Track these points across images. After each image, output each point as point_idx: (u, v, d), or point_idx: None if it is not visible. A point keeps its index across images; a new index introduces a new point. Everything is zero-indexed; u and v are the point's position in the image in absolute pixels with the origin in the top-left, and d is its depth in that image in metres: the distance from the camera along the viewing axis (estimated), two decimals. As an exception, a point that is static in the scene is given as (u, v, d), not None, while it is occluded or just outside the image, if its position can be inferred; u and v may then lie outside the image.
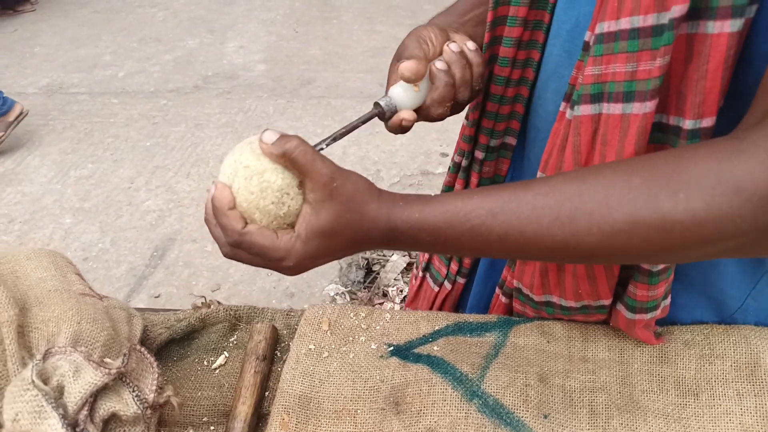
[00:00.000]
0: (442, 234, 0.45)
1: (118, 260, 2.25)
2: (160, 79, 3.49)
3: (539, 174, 0.59)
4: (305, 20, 4.21)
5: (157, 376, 0.51)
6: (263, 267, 0.47)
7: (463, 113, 0.72)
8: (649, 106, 0.46)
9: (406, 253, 2.32)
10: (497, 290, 0.72)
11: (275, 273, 2.31)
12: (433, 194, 0.47)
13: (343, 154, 2.79)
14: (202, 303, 0.76)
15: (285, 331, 0.73)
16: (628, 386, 0.61)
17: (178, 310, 0.76)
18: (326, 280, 2.20)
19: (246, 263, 0.47)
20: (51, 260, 0.67)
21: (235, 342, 0.72)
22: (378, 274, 2.27)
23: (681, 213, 0.39)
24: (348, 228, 0.45)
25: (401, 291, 2.20)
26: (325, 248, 0.45)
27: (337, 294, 2.14)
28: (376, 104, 0.58)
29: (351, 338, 0.68)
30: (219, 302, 0.76)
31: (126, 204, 2.52)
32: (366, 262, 2.30)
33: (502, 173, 0.71)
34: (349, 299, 2.14)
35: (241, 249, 0.46)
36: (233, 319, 0.73)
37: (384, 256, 2.32)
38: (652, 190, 0.40)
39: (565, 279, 0.61)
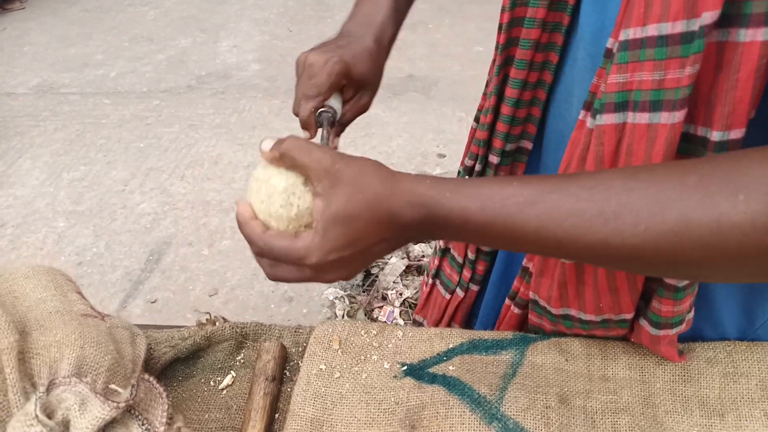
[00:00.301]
0: (473, 218, 0.41)
1: (113, 265, 2.21)
2: (153, 79, 3.45)
3: None
4: (299, 19, 4.17)
5: (167, 407, 0.49)
6: (300, 278, 0.45)
7: (471, 116, 0.70)
8: (678, 116, 0.44)
9: (405, 255, 2.30)
10: (508, 301, 0.70)
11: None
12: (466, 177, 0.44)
13: (340, 155, 2.76)
14: (206, 319, 0.74)
15: (294, 349, 0.70)
16: (651, 407, 0.59)
17: (183, 326, 0.73)
18: (325, 284, 2.17)
19: (286, 279, 0.46)
20: (50, 278, 0.64)
21: (242, 361, 0.70)
22: (377, 277, 2.25)
23: (740, 216, 0.36)
24: (365, 208, 0.42)
25: (401, 294, 2.18)
26: (346, 237, 0.42)
27: (336, 298, 2.12)
28: (331, 108, 0.66)
29: (363, 357, 0.66)
30: (224, 319, 0.74)
31: (120, 207, 2.49)
32: (364, 264, 2.28)
33: None
34: (348, 303, 2.12)
35: (270, 258, 0.45)
36: (240, 337, 0.71)
37: (382, 258, 2.30)
38: (708, 189, 0.37)
39: (585, 292, 0.59)
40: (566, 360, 0.64)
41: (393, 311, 2.14)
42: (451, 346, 0.66)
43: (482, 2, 4.42)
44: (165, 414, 0.48)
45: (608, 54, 0.49)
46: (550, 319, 0.64)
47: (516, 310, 0.69)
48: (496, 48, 0.62)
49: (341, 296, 2.13)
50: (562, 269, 0.59)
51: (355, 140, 2.87)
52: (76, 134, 2.94)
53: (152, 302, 2.06)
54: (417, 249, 2.34)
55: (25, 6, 4.37)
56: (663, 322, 0.57)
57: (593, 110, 0.50)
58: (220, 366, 0.69)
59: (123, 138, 2.92)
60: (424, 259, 2.31)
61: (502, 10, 0.59)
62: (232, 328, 0.71)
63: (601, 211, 0.39)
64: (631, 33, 0.44)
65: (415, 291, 2.21)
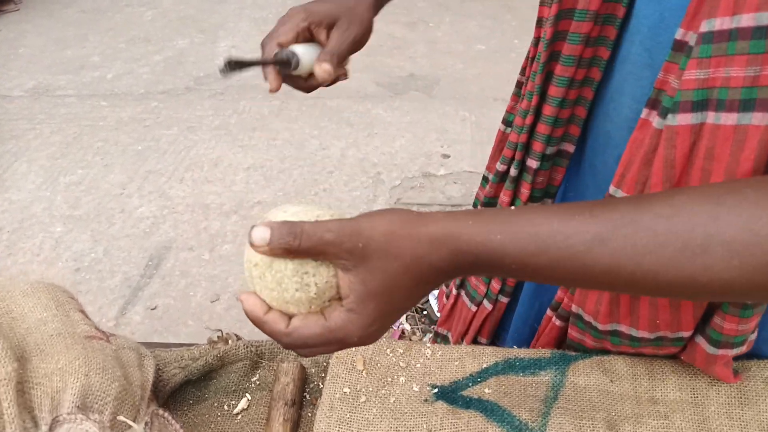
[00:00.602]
0: (532, 261, 0.36)
1: (112, 270, 2.16)
2: (150, 81, 3.39)
3: (612, 189, 0.52)
4: (298, 18, 4.12)
5: (185, 447, 0.44)
6: (342, 349, 0.41)
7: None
8: None
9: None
10: (550, 312, 0.65)
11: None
12: (512, 207, 0.39)
13: (342, 156, 2.72)
14: (218, 337, 0.69)
15: (313, 369, 0.65)
16: (706, 432, 0.55)
17: (193, 344, 0.68)
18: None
19: (325, 353, 0.42)
20: (51, 296, 0.59)
21: (257, 382, 0.65)
22: (382, 280, 2.20)
23: None
24: (405, 274, 0.37)
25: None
26: (388, 306, 0.38)
27: (340, 303, 2.07)
28: (289, 54, 0.60)
29: (390, 379, 0.61)
30: (237, 336, 0.69)
31: (118, 211, 2.43)
32: (369, 268, 2.23)
33: (555, 183, 0.65)
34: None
35: (303, 347, 0.40)
36: (255, 356, 0.66)
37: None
38: None
39: (639, 307, 0.54)
40: (611, 381, 0.59)
41: (412, 323, 2.09)
42: (484, 365, 0.61)
43: None
44: (182, 455, 0.44)
45: (679, 46, 0.44)
46: (593, 335, 0.60)
47: (558, 322, 0.64)
48: (538, 44, 0.57)
49: (347, 301, 2.08)
50: None
51: (357, 141, 2.82)
52: (73, 137, 2.88)
53: (152, 309, 2.01)
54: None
55: (20, 7, 4.31)
56: (723, 341, 0.52)
57: (662, 108, 0.46)
58: (234, 388, 0.64)
59: (120, 141, 2.86)
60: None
61: (544, 3, 0.54)
62: (247, 347, 0.66)
63: (686, 245, 0.34)
64: (717, 23, 0.39)
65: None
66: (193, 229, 2.34)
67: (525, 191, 0.65)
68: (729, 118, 0.41)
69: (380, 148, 2.80)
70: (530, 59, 0.61)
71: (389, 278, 0.37)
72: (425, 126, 2.96)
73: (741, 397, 0.56)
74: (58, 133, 2.91)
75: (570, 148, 0.62)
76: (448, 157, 2.74)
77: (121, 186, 2.57)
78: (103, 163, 2.71)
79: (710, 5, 0.40)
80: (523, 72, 0.66)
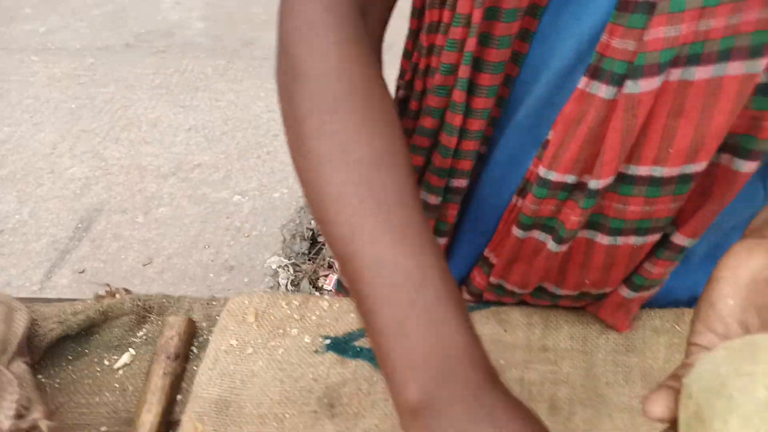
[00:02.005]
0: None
1: (38, 233, 2.06)
2: (87, 36, 3.21)
3: (543, 171, 0.45)
4: (246, -24, 3.96)
5: (17, 396, 0.40)
6: None
7: None
8: (760, 64, 0.36)
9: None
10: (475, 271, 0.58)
11: (212, 245, 2.13)
12: None
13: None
14: (106, 291, 0.65)
15: (204, 324, 0.62)
16: (592, 378, 0.54)
17: (76, 299, 0.64)
18: (269, 252, 2.09)
19: None
20: None
21: (144, 337, 0.61)
22: (323, 245, 2.17)
23: None
24: None
25: (348, 263, 2.12)
26: None
27: (279, 266, 2.03)
28: None
29: (281, 331, 0.59)
30: (127, 290, 0.65)
31: (47, 171, 2.31)
32: (311, 233, 2.20)
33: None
34: (293, 271, 2.04)
35: None
36: (142, 311, 0.62)
37: (330, 226, 2.22)
38: None
39: (568, 270, 0.52)
40: (505, 330, 0.58)
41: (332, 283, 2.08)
42: (379, 316, 0.59)
43: None
44: (14, 405, 0.40)
45: (625, 6, 0.37)
46: (512, 297, 0.58)
47: (467, 297, 0.60)
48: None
49: (285, 264, 2.04)
50: (547, 257, 0.50)
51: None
52: (0, 93, 2.71)
53: (80, 272, 1.93)
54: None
55: (-57, -48, 3.99)
56: (645, 285, 0.51)
57: (612, 76, 0.39)
58: (117, 343, 0.61)
59: (52, 98, 2.71)
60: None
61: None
62: (133, 301, 0.62)
63: None
64: None
65: (363, 259, 2.15)
66: (127, 191, 2.25)
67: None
68: (703, 72, 0.37)
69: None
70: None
71: None
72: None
73: (628, 345, 0.57)
74: (-17, 88, 2.74)
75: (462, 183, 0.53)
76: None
77: (52, 145, 2.44)
78: (32, 121, 2.57)
79: None
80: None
